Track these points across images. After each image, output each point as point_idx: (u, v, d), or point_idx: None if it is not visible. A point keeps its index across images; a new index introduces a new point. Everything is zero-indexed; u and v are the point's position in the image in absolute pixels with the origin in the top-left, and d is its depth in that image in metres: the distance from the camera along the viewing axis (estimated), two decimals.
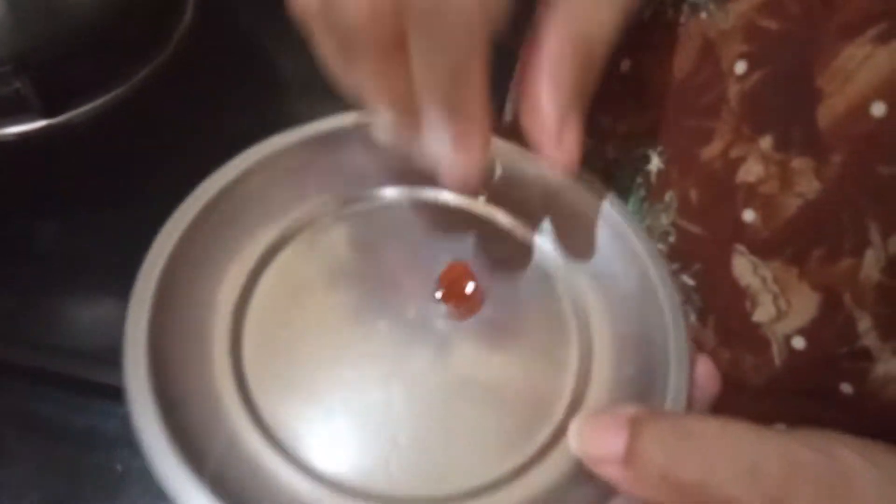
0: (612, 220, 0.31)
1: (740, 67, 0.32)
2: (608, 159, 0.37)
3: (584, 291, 0.31)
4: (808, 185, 0.31)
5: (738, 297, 0.34)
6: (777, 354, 0.33)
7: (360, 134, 0.31)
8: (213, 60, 0.47)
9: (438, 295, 0.30)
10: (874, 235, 0.29)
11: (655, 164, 0.36)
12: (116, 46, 0.42)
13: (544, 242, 0.32)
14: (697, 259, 0.35)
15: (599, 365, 0.29)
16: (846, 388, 0.32)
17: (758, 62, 0.32)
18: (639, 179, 0.36)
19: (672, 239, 0.36)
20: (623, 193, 0.37)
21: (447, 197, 0.33)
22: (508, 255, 0.32)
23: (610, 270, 0.31)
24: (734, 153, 0.33)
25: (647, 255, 0.29)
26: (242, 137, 0.42)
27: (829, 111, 0.29)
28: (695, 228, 0.35)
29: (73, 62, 0.40)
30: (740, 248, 0.33)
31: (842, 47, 0.28)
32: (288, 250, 0.31)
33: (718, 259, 0.34)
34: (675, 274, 0.36)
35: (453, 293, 0.30)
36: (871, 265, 0.29)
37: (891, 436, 0.32)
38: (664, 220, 0.36)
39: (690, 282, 0.35)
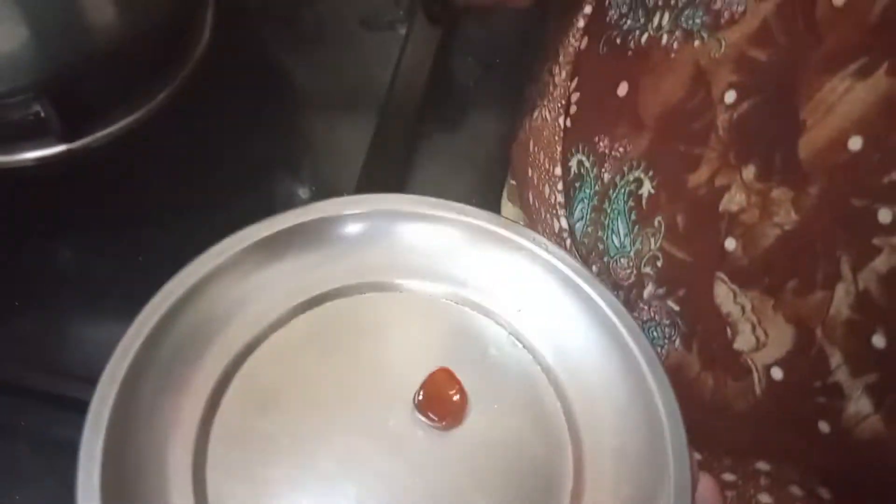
0: (606, 320, 0.28)
1: (730, 97, 0.32)
2: (604, 181, 0.38)
3: (575, 401, 0.28)
4: (785, 216, 0.31)
5: (720, 324, 0.34)
6: (757, 383, 0.33)
7: (322, 229, 0.30)
8: (232, 80, 0.47)
9: (419, 404, 0.27)
10: (845, 269, 0.29)
11: (647, 188, 0.36)
12: (135, 70, 0.42)
13: (533, 342, 0.29)
14: (682, 284, 0.35)
15: (594, 483, 0.26)
16: (823, 426, 0.32)
17: (746, 92, 0.32)
18: (631, 202, 0.37)
19: (660, 263, 0.36)
20: (616, 216, 0.37)
21: (423, 292, 0.30)
22: (493, 357, 0.29)
23: (603, 377, 0.28)
24: (719, 181, 0.33)
25: (644, 362, 0.27)
26: (262, 158, 0.44)
27: (809, 142, 0.29)
28: (680, 254, 0.35)
29: (94, 86, 0.41)
30: (721, 275, 0.33)
31: (825, 80, 0.28)
32: (254, 358, 0.28)
33: (702, 285, 0.34)
34: (661, 298, 0.36)
35: (435, 402, 0.27)
36: (840, 300, 0.29)
37: (869, 473, 0.31)
38: (653, 244, 0.36)
39: (675, 307, 0.35)
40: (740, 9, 0.32)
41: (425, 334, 0.30)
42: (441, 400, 0.27)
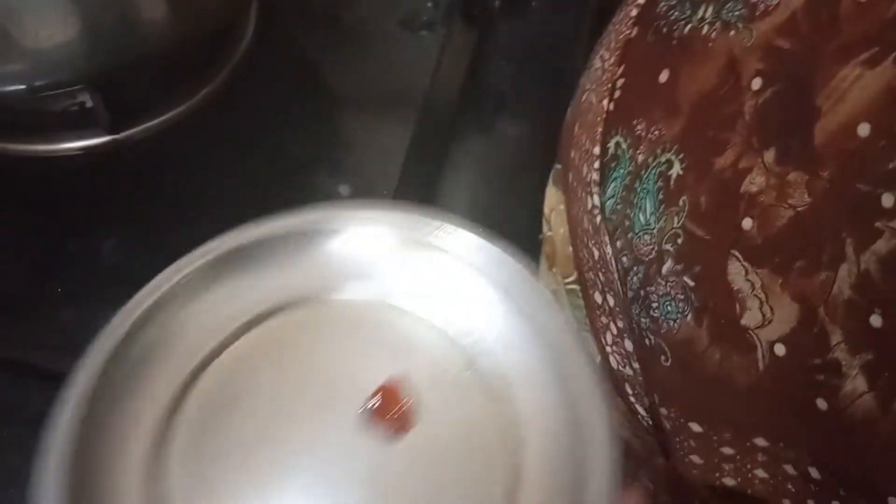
0: (540, 323, 0.29)
1: (756, 83, 0.34)
2: (637, 162, 0.40)
3: (516, 420, 0.28)
4: (799, 198, 0.32)
5: (731, 300, 0.35)
6: (761, 359, 0.35)
7: (256, 251, 0.31)
8: (272, 79, 0.48)
9: (367, 414, 0.28)
10: (849, 251, 0.31)
11: (676, 169, 0.38)
12: (181, 65, 0.44)
13: (481, 357, 0.30)
14: (699, 261, 0.37)
15: (530, 491, 0.27)
16: (821, 403, 0.33)
17: (771, 79, 0.34)
18: (660, 183, 0.39)
19: (680, 241, 0.38)
20: (645, 195, 0.40)
21: (362, 302, 0.31)
22: (441, 369, 0.30)
23: (546, 399, 0.29)
24: (742, 164, 0.35)
25: (586, 387, 0.28)
26: (302, 155, 0.46)
27: (824, 128, 0.31)
28: (700, 232, 0.37)
29: (140, 80, 0.43)
30: (736, 253, 0.35)
31: (838, 68, 0.30)
32: (205, 377, 0.29)
33: (717, 262, 0.36)
34: (678, 274, 0.38)
35: (383, 412, 0.28)
36: (843, 280, 0.31)
37: (858, 453, 0.33)
38: (676, 222, 0.38)
39: (691, 282, 0.37)
40: (775, 1, 0.34)
41: (368, 345, 0.30)
42: (389, 409, 0.28)
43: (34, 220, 0.42)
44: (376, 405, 0.28)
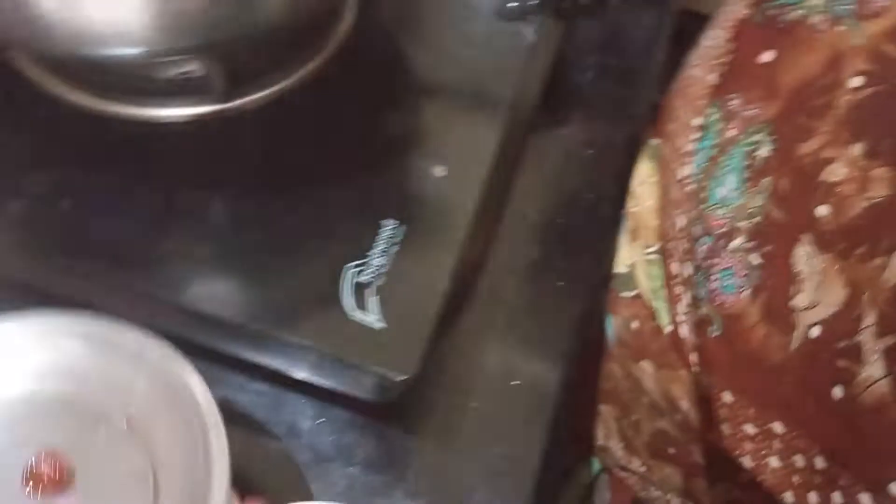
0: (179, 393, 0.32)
1: (856, 81, 0.35)
2: (725, 137, 0.42)
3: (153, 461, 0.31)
4: (878, 191, 0.34)
5: (788, 281, 0.37)
6: (796, 339, 0.37)
7: None
8: (369, 61, 0.50)
9: (27, 488, 0.30)
10: None
11: (765, 150, 0.40)
12: (289, 41, 0.45)
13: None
14: (770, 241, 0.39)
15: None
16: (837, 391, 0.35)
17: (873, 80, 0.35)
18: (746, 161, 0.40)
19: (756, 220, 0.39)
20: (729, 171, 0.41)
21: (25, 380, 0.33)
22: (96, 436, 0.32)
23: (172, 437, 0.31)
24: (826, 153, 0.36)
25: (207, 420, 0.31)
26: (396, 137, 0.46)
27: None
28: (777, 214, 0.38)
29: (251, 52, 0.44)
30: (806, 237, 0.37)
31: None
32: None
33: (786, 245, 0.38)
34: (746, 251, 0.39)
35: (41, 481, 0.30)
36: (894, 268, 0.32)
37: (867, 439, 0.35)
38: (756, 201, 0.39)
39: (757, 261, 0.39)
40: (885, 4, 0.34)
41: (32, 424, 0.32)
42: (46, 478, 0.30)
43: (146, 182, 0.43)
44: (34, 475, 0.30)
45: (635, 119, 0.57)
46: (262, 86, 0.46)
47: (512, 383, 0.45)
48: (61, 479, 0.30)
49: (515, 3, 0.50)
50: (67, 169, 0.44)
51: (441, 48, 0.52)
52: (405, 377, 0.38)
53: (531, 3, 0.52)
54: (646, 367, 0.53)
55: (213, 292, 0.41)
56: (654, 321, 0.51)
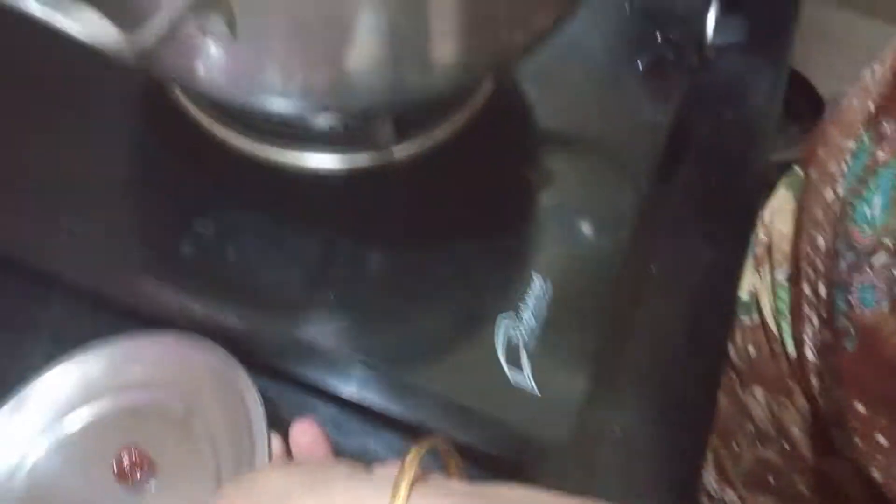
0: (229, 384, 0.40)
1: None
2: (876, 159, 0.43)
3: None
4: None
5: None
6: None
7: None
8: (508, 119, 0.52)
9: (118, 475, 0.38)
10: None
11: None
12: (444, 100, 0.47)
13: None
14: None
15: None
16: None
17: None
18: (895, 182, 0.41)
19: None
20: (876, 191, 0.42)
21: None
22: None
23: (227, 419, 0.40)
24: None
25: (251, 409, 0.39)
26: (539, 188, 0.48)
27: None
28: None
29: (418, 108, 0.46)
30: None
31: None
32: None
33: None
34: (888, 268, 0.40)
35: (131, 469, 0.39)
36: None
37: None
38: None
39: None
40: None
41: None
42: (129, 467, 0.39)
43: (304, 229, 0.45)
44: (119, 465, 0.39)
45: (755, 174, 0.59)
46: (417, 138, 0.48)
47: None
48: (143, 468, 0.38)
49: (653, 58, 0.53)
50: (232, 214, 0.46)
51: (576, 103, 0.53)
52: (559, 442, 0.39)
53: (668, 57, 0.55)
54: (757, 394, 0.53)
55: (370, 344, 0.42)
56: (775, 346, 0.51)
